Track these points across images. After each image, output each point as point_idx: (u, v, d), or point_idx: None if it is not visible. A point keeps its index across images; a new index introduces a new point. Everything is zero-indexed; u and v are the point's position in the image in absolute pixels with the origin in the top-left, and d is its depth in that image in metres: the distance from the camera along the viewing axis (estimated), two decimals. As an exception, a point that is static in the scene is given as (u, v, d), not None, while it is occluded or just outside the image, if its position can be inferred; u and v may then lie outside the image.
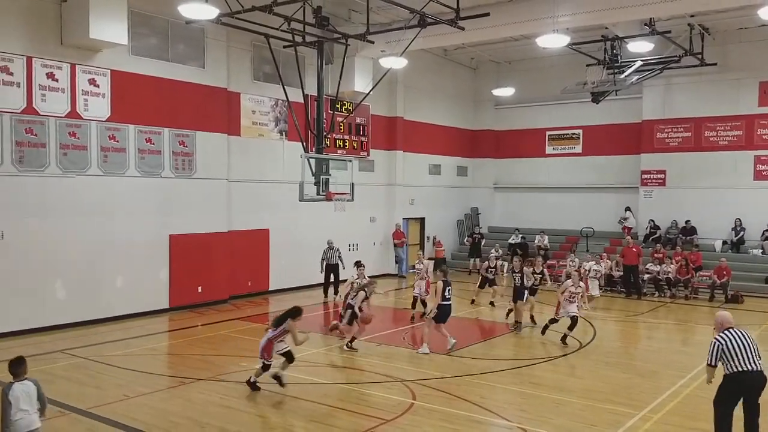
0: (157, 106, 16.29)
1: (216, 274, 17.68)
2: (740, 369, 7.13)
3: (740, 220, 22.35)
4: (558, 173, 27.00)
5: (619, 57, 21.69)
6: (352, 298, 13.11)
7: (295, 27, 15.90)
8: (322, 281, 19.02)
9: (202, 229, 17.34)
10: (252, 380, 10.15)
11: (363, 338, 13.20)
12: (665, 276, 20.29)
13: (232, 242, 18.19)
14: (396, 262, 24.43)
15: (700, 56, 21.33)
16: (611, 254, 22.30)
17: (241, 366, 11.33)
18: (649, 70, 22.20)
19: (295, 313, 10.18)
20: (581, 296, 13.70)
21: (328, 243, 19.03)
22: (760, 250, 21.73)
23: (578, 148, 26.67)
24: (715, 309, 18.23)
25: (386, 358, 12.28)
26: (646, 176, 24.49)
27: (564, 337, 13.30)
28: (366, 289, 13.11)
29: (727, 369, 7.25)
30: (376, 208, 23.67)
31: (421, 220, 26.17)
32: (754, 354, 7.20)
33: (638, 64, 21.75)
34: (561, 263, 21.90)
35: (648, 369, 11.70)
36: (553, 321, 13.78)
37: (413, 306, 16.82)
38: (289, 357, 10.24)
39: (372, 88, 19.00)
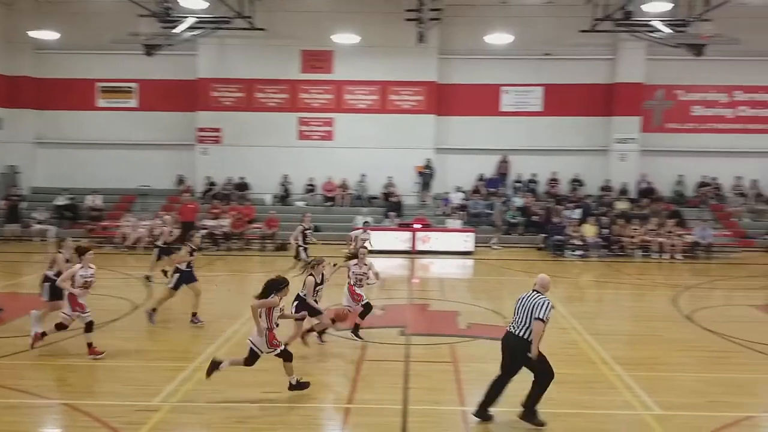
0: None
1: None
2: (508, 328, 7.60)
3: (287, 176, 24.56)
4: (112, 128, 25.27)
5: (171, 11, 21.17)
6: None
7: None
8: None
9: None
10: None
11: None
12: (221, 230, 21.01)
13: None
14: None
15: (250, 20, 22.30)
16: (170, 212, 21.97)
17: None
18: (202, 28, 22.28)
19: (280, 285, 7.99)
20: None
21: None
22: (304, 203, 24.31)
23: (133, 103, 25.42)
24: (267, 257, 19.85)
25: None
26: (202, 134, 24.82)
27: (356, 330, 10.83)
28: None
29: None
30: None
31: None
32: (521, 320, 7.38)
33: (191, 20, 21.61)
34: (116, 224, 20.69)
35: (204, 319, 11.77)
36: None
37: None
38: (287, 355, 8.14)
39: None
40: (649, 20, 19.72)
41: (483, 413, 7.60)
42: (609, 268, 19.22)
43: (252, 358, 8.00)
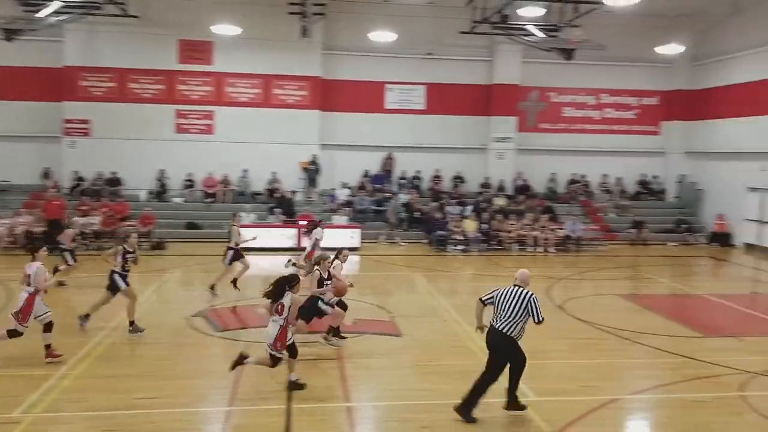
0: None
1: None
2: (491, 323, 7.49)
3: (164, 171, 23.44)
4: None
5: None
6: None
7: None
8: None
9: None
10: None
11: None
12: (91, 228, 19.69)
13: None
14: None
15: (122, 6, 21.01)
16: (32, 209, 20.32)
17: None
18: (69, 13, 20.73)
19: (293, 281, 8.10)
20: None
21: None
22: (182, 199, 23.31)
23: (-10, 91, 23.27)
24: (142, 256, 18.76)
25: None
26: (69, 125, 23.12)
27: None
28: None
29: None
30: None
31: None
32: (506, 315, 7.33)
33: (57, 4, 20.05)
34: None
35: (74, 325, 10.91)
36: None
37: None
38: (293, 351, 8.16)
39: None
40: (524, 24, 20.58)
41: (466, 413, 7.46)
42: (488, 261, 19.91)
43: (274, 360, 8.00)
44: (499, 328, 7.36)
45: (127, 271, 10.94)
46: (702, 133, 25.69)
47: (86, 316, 10.81)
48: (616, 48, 23.84)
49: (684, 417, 7.86)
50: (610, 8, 19.42)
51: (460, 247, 21.20)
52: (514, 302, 7.30)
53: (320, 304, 9.90)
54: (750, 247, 22.77)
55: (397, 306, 13.34)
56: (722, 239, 23.68)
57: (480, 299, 7.70)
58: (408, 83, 25.22)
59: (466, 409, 7.46)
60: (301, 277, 8.77)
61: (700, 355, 10.25)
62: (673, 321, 12.43)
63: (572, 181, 26.00)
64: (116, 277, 10.82)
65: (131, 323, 10.71)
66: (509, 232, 21.95)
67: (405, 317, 12.31)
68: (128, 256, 10.93)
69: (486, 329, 7.63)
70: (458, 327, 11.75)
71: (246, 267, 13.97)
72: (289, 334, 8.07)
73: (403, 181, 25.05)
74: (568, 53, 20.14)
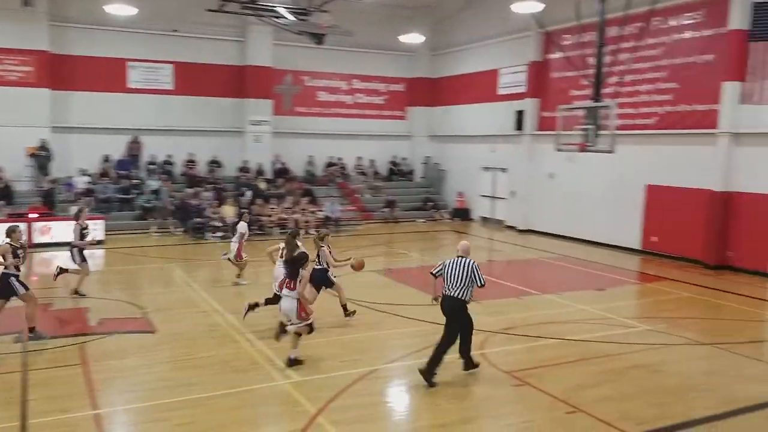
0: None
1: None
2: (444, 293, 8.30)
3: None
4: None
5: None
6: None
7: None
8: None
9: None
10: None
11: None
12: None
13: None
14: None
15: None
16: None
17: None
18: None
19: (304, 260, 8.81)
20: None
21: None
22: None
23: None
24: None
25: None
26: None
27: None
28: None
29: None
30: None
31: None
32: (456, 282, 8.19)
33: None
34: None
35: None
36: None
37: None
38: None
39: None
40: (274, 6, 20.34)
41: (428, 376, 8.06)
42: (249, 247, 19.48)
43: (309, 327, 8.71)
44: (454, 295, 8.18)
45: (19, 271, 9.52)
46: (441, 118, 27.98)
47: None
48: (365, 35, 24.80)
49: (437, 378, 8.37)
50: (357, -4, 20.03)
51: (219, 234, 20.47)
52: (460, 271, 8.20)
53: (330, 275, 10.86)
54: (485, 220, 25.46)
55: (151, 301, 12.40)
56: (462, 214, 26.14)
57: (432, 273, 8.50)
58: (153, 61, 23.56)
59: (429, 373, 8.07)
60: None
61: (447, 320, 11.08)
62: (423, 291, 13.27)
63: (329, 164, 26.60)
64: (12, 280, 9.37)
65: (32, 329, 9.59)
66: (270, 216, 21.75)
67: (160, 311, 11.49)
68: (21, 252, 9.53)
69: (440, 299, 8.36)
70: (218, 317, 11.27)
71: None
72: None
73: (152, 166, 23.39)
74: (318, 38, 20.32)
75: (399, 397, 8.16)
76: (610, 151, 15.29)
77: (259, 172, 24.60)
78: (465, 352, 8.51)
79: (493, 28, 24.08)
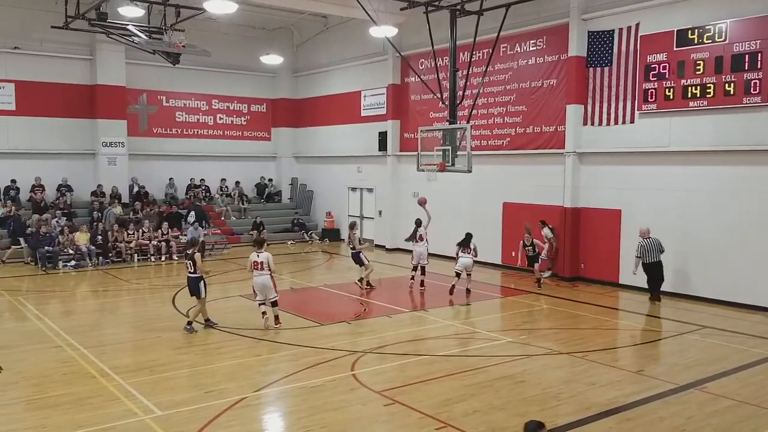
0: None
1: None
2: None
3: None
4: None
5: None
6: None
7: None
8: None
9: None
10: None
11: None
12: None
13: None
14: None
15: None
16: None
17: None
18: None
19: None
20: None
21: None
22: None
23: None
24: None
25: None
26: None
27: None
28: None
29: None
30: None
31: None
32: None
33: None
34: None
35: None
36: None
37: None
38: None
39: None
40: (125, 24, 19.47)
41: None
42: (106, 275, 18.37)
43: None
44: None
45: None
46: (306, 138, 28.03)
47: None
48: (224, 55, 24.40)
49: (305, 403, 8.30)
50: (212, 16, 19.64)
51: (72, 263, 19.12)
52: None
53: (362, 256, 15.89)
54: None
55: (-4, 338, 11.32)
56: (332, 235, 26.19)
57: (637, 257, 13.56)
58: (-7, 80, 21.71)
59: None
60: None
61: (317, 343, 11.08)
62: (294, 314, 13.17)
63: (192, 186, 25.72)
64: None
65: None
66: (129, 242, 20.63)
67: (6, 349, 10.55)
68: None
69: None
70: (73, 351, 10.50)
71: None
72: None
73: (-6, 192, 21.43)
74: (174, 57, 19.71)
75: (270, 425, 8.01)
76: (468, 171, 16.04)
77: (115, 196, 23.25)
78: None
79: (353, 51, 24.56)
